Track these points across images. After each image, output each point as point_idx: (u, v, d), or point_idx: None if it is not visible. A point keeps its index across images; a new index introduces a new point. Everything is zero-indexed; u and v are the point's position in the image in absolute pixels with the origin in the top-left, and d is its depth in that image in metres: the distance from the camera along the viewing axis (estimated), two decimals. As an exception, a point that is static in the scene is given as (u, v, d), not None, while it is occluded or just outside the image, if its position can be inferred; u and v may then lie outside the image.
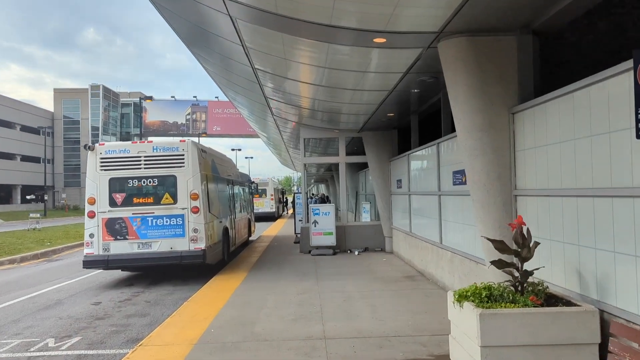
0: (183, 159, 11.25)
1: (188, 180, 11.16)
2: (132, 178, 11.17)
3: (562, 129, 4.74)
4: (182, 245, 11.08)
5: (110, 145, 11.46)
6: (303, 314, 7.43)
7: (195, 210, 11.13)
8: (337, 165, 28.63)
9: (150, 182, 11.19)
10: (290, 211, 52.44)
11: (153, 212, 11.10)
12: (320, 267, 12.11)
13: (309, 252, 14.59)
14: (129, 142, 11.57)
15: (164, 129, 75.77)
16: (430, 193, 9.92)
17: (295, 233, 18.43)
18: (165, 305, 9.14)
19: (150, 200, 11.17)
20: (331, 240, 14.41)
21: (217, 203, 13.00)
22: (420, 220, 10.89)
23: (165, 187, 11.25)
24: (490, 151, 5.79)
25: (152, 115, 75.78)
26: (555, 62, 6.72)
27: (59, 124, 78.59)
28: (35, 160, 72.93)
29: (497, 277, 5.67)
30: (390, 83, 8.63)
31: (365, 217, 16.78)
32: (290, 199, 52.84)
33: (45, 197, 59.50)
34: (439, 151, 9.30)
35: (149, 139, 12.06)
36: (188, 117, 74.71)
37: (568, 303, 4.09)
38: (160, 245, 11.04)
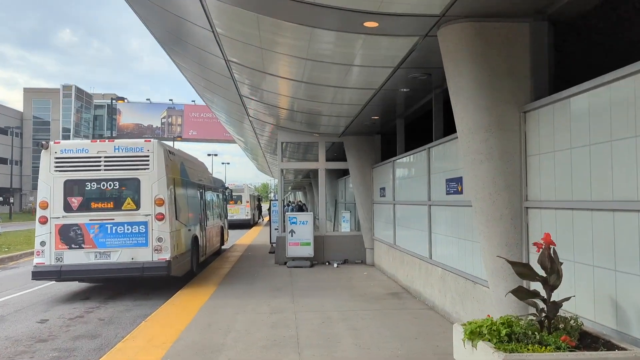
0: (148, 160, 10.23)
1: (153, 184, 10.14)
2: (91, 181, 10.09)
3: (593, 128, 3.94)
4: (144, 255, 10.03)
5: (67, 144, 10.37)
6: (277, 339, 6.48)
7: (160, 217, 10.10)
8: (316, 171, 27.97)
9: (110, 185, 10.13)
10: (267, 218, 51.39)
11: (113, 219, 10.03)
12: (297, 280, 11.18)
13: (285, 263, 13.65)
14: (88, 141, 10.48)
15: (139, 132, 73.88)
16: (419, 203, 9.11)
17: (270, 242, 17.46)
18: (121, 324, 8.09)
19: (110, 205, 10.10)
20: (309, 251, 13.49)
21: (185, 210, 11.98)
22: (407, 232, 10.07)
23: (128, 192, 10.21)
24: (497, 156, 4.98)
25: (126, 118, 73.83)
26: (574, 55, 5.97)
27: (28, 124, 76.03)
28: (3, 161, 70.26)
29: (503, 304, 4.84)
30: (377, 80, 7.80)
31: (345, 227, 15.92)
32: (266, 206, 51.67)
33: (11, 200, 57.13)
34: (429, 157, 8.50)
35: (111, 138, 10.89)
36: (164, 120, 73.03)
37: (608, 345, 3.26)
38: (120, 255, 9.97)
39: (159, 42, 9.80)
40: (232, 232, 28.77)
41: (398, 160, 10.70)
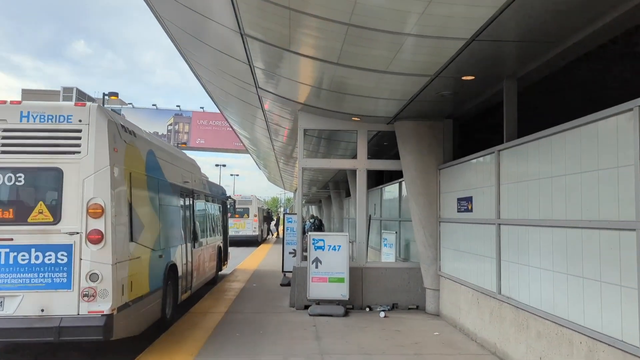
0: (79, 138, 5.94)
1: (85, 179, 5.85)
2: (-26, 171, 5.81)
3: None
4: (64, 305, 5.73)
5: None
6: None
7: (96, 237, 5.79)
8: (337, 181, 23.07)
9: (9, 180, 5.82)
10: (276, 234, 46.72)
11: (10, 240, 5.72)
12: (328, 346, 6.75)
13: (306, 307, 9.23)
14: (-24, 103, 6.21)
15: (144, 140, 69.96)
16: (573, 224, 4.66)
17: (283, 271, 13.01)
18: None
19: (8, 215, 5.79)
20: (342, 292, 9.05)
21: (154, 225, 7.64)
22: (539, 275, 5.55)
23: (39, 192, 5.92)
24: None
25: (131, 124, 70.03)
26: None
27: (30, 129, 72.70)
28: None
29: None
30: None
31: (388, 255, 11.44)
32: (274, 219, 46.88)
33: None
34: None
35: (18, 99, 6.63)
36: (170, 127, 69.28)
37: None
38: (21, 305, 5.67)
39: (172, 38, 6.22)
40: (236, 251, 24.35)
41: (509, 150, 6.28)
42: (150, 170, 7.57)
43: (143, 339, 7.07)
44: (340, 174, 20.30)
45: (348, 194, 23.67)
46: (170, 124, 71.97)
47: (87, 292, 5.74)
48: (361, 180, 9.75)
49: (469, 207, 7.48)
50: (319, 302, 9.08)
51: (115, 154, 6.15)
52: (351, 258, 10.02)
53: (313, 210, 52.47)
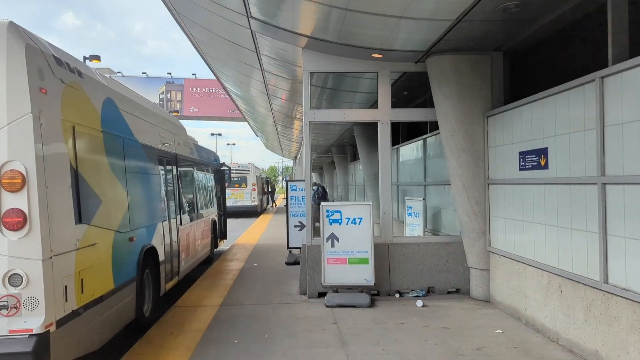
0: (-21, 71, 3.95)
1: (-5, 133, 3.89)
2: None
3: None
4: (-30, 323, 3.83)
5: None
6: None
7: (14, 221, 3.88)
8: (342, 145, 20.64)
9: None
10: (278, 202, 44.94)
11: None
12: (360, 356, 4.92)
13: (320, 295, 7.40)
14: None
15: (135, 110, 67.48)
16: None
17: (288, 247, 11.15)
18: None
19: None
20: (366, 275, 7.19)
21: (119, 199, 5.71)
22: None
23: None
24: None
25: (121, 94, 67.37)
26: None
27: None
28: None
29: None
30: None
31: (414, 226, 9.56)
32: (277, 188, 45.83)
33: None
34: None
35: None
36: (162, 96, 66.76)
37: None
38: None
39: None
40: (234, 223, 22.56)
41: (623, 75, 4.29)
42: (109, 126, 5.58)
43: (111, 348, 5.24)
44: (346, 134, 18.27)
45: (354, 158, 21.72)
46: (162, 93, 69.38)
47: (4, 303, 3.85)
48: (384, 135, 7.76)
49: (541, 163, 5.53)
50: (336, 289, 7.24)
51: (43, 98, 4.16)
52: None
53: (313, 178, 50.63)
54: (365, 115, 8.10)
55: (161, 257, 7.30)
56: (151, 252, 6.86)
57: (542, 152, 5.49)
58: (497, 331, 5.69)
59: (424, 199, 9.42)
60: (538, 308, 5.67)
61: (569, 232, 5.01)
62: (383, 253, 7.56)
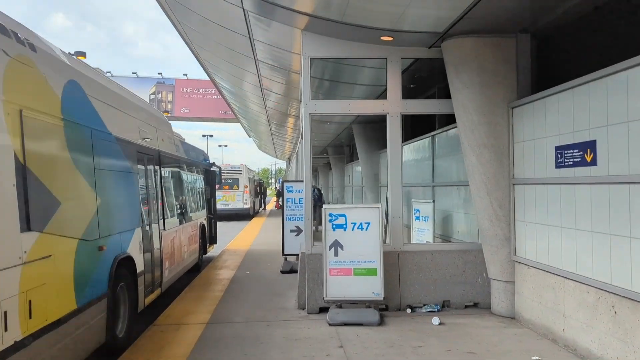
0: None
1: None
2: None
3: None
4: None
5: None
6: None
7: None
8: (340, 145, 19.78)
9: None
10: (270, 205, 43.86)
11: None
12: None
13: (321, 311, 6.50)
14: None
15: (126, 111, 66.16)
16: None
17: (283, 254, 10.23)
18: None
19: None
20: (374, 288, 6.30)
21: (84, 201, 4.80)
22: None
23: None
24: None
25: (111, 95, 66.05)
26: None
27: None
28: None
29: None
30: None
31: (422, 231, 8.69)
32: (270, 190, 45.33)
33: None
34: None
35: None
36: (152, 96, 65.60)
37: None
38: None
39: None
40: (226, 227, 21.61)
41: None
42: (72, 113, 4.66)
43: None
44: (344, 134, 17.42)
45: (351, 159, 20.87)
46: (153, 93, 68.25)
47: None
48: (394, 129, 6.89)
49: (587, 159, 4.67)
50: (340, 304, 6.34)
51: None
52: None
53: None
54: (372, 106, 7.18)
55: (139, 267, 6.38)
56: (127, 262, 5.94)
57: (588, 146, 4.64)
58: (534, 358, 4.81)
59: (433, 201, 8.55)
60: (581, 330, 4.81)
61: (626, 241, 4.16)
62: (392, 262, 6.68)
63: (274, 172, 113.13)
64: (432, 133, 9.21)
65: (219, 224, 14.53)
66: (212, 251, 13.17)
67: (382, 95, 6.98)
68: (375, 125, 14.20)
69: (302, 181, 10.54)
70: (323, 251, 6.41)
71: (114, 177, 5.70)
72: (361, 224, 6.37)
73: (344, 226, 6.39)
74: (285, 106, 14.68)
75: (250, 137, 36.36)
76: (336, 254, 6.37)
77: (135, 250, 6.23)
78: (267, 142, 30.62)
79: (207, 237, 12.35)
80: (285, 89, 11.85)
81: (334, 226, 6.40)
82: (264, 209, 40.68)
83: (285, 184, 10.59)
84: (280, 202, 43.54)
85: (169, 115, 62.49)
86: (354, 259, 6.34)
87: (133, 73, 69.78)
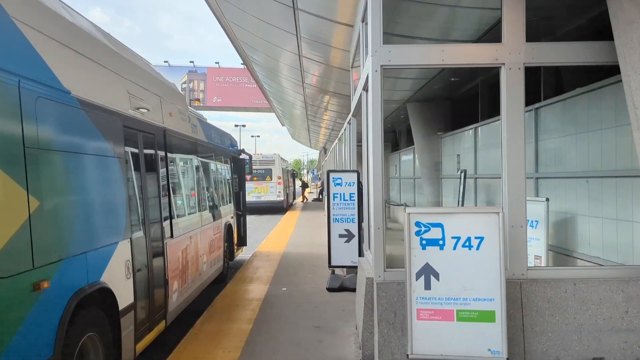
0: None
1: None
2: None
3: None
4: None
5: None
6: None
7: None
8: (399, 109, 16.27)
9: None
10: (300, 200, 41.42)
11: None
12: None
13: (402, 373, 4.16)
14: None
15: (157, 100, 65.18)
16: None
17: (330, 266, 7.93)
18: None
19: None
20: (492, 342, 3.91)
21: (6, 207, 2.57)
22: None
23: None
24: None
25: (143, 84, 65.17)
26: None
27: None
28: None
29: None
30: None
31: (528, 242, 6.19)
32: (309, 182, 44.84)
33: None
34: None
35: None
36: (184, 85, 64.47)
37: None
38: None
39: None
40: (258, 221, 19.53)
41: None
42: (41, 77, 2.43)
43: None
44: (391, 117, 14.92)
45: (396, 147, 18.39)
46: (184, 82, 67.09)
47: None
48: (514, 89, 4.42)
49: None
50: (435, 364, 3.99)
51: None
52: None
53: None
54: (479, 53, 4.55)
55: (125, 300, 4.18)
56: (100, 297, 3.75)
57: None
58: None
59: (547, 199, 6.05)
60: None
61: None
62: (512, 298, 4.28)
63: (305, 163, 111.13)
64: (536, 105, 6.71)
65: (249, 218, 12.35)
66: (242, 254, 11.01)
67: (487, 37, 4.52)
68: (435, 104, 11.76)
69: (355, 171, 8.26)
70: (406, 280, 4.06)
71: (70, 163, 3.48)
72: (468, 239, 3.98)
73: (441, 243, 4.01)
74: (326, 83, 12.36)
75: (283, 125, 34.16)
76: (428, 286, 4.01)
77: (116, 275, 4.03)
78: (302, 129, 28.29)
79: (236, 238, 10.19)
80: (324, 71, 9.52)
81: (424, 242, 4.03)
82: (304, 200, 38.42)
83: (332, 175, 8.26)
84: (307, 195, 41.59)
85: (201, 104, 61.24)
86: (458, 294, 3.96)
87: (165, 62, 68.72)
